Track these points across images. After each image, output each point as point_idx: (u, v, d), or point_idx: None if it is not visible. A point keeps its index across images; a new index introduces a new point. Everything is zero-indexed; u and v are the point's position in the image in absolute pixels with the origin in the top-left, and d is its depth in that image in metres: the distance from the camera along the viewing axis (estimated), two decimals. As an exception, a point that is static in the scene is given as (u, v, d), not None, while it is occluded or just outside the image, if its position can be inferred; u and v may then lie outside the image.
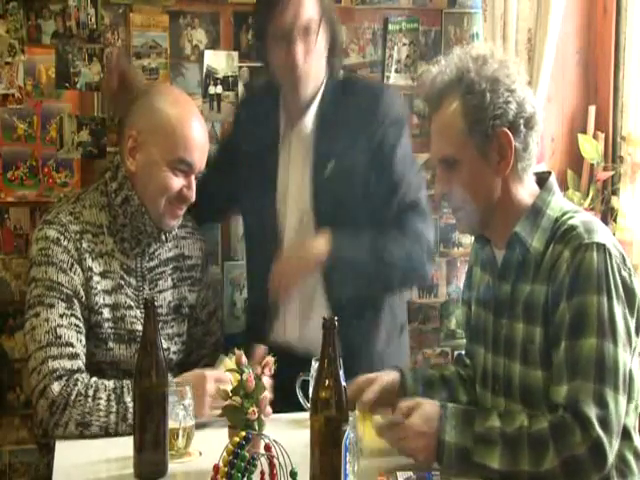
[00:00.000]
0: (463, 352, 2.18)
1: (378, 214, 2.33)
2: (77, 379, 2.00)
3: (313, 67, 2.29)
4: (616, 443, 1.70)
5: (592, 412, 1.67)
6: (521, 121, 1.81)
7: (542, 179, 1.90)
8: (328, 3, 2.33)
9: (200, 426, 1.94)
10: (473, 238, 2.07)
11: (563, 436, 1.67)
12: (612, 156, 2.91)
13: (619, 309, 1.73)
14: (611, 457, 1.68)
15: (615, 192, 2.87)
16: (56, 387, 1.98)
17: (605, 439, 1.66)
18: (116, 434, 1.95)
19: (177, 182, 2.14)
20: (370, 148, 2.31)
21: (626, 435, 1.77)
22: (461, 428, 1.74)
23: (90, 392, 1.97)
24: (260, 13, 2.34)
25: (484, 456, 1.71)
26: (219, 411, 1.91)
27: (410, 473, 1.73)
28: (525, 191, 1.87)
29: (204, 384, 1.97)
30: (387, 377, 1.99)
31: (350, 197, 2.33)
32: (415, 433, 1.77)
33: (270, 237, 2.37)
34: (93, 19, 2.66)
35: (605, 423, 1.67)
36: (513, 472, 1.70)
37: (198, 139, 2.16)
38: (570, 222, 1.80)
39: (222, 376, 1.96)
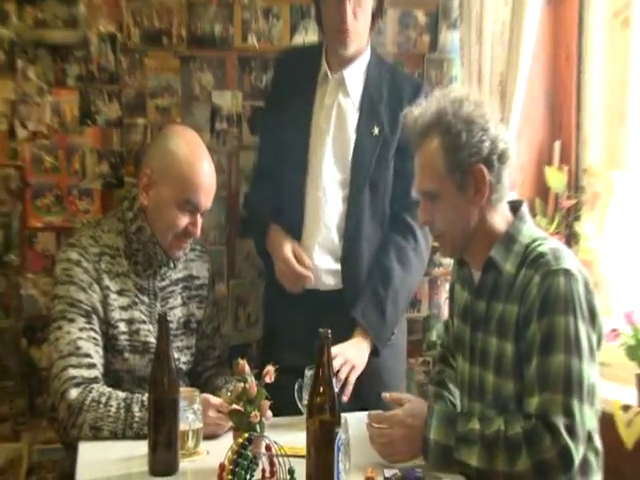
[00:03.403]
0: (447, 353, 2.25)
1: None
2: (93, 387, 2.06)
3: (359, 26, 2.41)
4: (582, 448, 1.76)
5: (560, 421, 1.73)
6: (494, 157, 1.85)
7: (515, 207, 1.96)
8: None
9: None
10: (453, 259, 2.12)
11: (535, 442, 1.73)
12: (575, 186, 2.96)
13: (583, 328, 1.79)
14: (577, 461, 1.75)
15: (578, 218, 2.92)
16: (74, 392, 2.05)
17: (572, 445, 1.73)
18: (124, 439, 2.02)
19: (183, 220, 2.21)
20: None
21: (588, 437, 1.83)
22: (445, 428, 1.81)
23: (103, 399, 2.04)
24: None
25: (464, 455, 1.78)
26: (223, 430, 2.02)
27: (396, 470, 1.81)
28: (499, 219, 1.92)
29: (205, 411, 1.98)
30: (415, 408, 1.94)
31: (385, 168, 2.46)
32: (403, 424, 1.85)
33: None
34: (112, 63, 2.77)
35: (572, 431, 1.73)
36: (490, 471, 1.77)
37: (206, 183, 2.23)
38: (539, 249, 1.84)
39: (222, 405, 2.02)
